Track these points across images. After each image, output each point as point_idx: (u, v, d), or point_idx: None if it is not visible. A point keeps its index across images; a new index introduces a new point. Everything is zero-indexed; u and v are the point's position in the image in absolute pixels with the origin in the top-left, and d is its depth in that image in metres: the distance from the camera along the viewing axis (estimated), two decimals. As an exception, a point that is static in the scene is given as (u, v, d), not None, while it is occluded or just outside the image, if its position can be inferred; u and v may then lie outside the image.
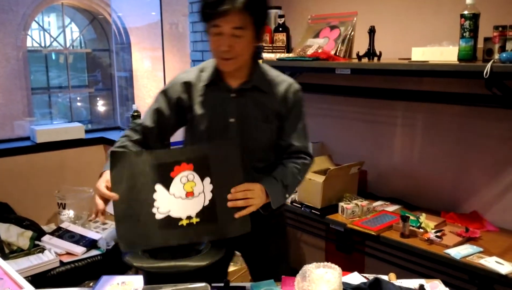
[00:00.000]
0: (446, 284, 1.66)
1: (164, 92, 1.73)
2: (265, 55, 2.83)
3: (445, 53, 2.08)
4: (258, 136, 1.68)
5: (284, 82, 1.70)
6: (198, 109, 1.68)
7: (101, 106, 4.50)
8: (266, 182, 1.62)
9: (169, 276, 1.42)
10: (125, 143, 1.67)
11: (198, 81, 1.69)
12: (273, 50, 2.90)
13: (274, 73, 1.72)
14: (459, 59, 1.98)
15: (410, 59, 2.19)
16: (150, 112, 1.73)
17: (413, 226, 2.20)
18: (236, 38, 1.54)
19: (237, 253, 2.98)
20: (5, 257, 2.62)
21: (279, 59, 2.73)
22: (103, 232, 3.08)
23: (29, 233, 2.84)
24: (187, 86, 1.69)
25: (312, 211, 2.50)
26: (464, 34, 1.94)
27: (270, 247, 1.82)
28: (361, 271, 1.72)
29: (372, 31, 2.45)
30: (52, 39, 4.11)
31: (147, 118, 1.72)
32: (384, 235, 2.21)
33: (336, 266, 1.36)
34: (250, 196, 1.54)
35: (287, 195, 1.69)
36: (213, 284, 1.54)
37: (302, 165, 1.71)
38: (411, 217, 2.24)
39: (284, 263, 1.88)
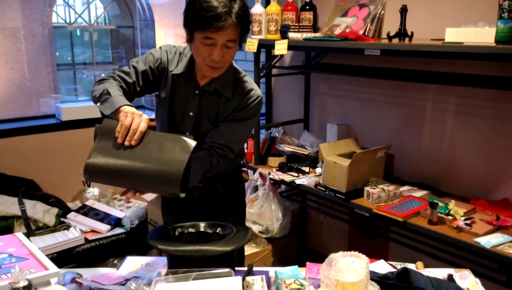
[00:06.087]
0: (475, 273, 1.62)
1: (153, 53, 1.78)
2: (291, 35, 2.75)
3: (481, 34, 1.98)
4: (208, 131, 1.76)
5: (246, 89, 1.75)
6: (163, 93, 1.78)
7: (125, 83, 4.49)
8: None
9: (192, 260, 1.41)
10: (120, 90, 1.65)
11: (174, 64, 1.76)
12: (300, 30, 2.82)
13: (242, 81, 1.76)
14: (496, 41, 1.89)
15: (444, 40, 2.10)
16: (142, 71, 1.73)
17: (441, 213, 2.14)
18: (228, 49, 1.61)
19: (260, 234, 2.99)
20: (31, 234, 2.67)
21: (305, 39, 2.66)
22: (127, 211, 3.11)
23: (55, 210, 2.88)
24: (168, 60, 1.77)
25: (337, 195, 2.46)
26: (503, 15, 1.84)
27: (225, 219, 1.79)
28: (385, 257, 1.68)
29: (403, 10, 2.36)
30: (76, 16, 4.10)
31: (139, 78, 1.73)
32: (411, 222, 2.16)
33: (364, 256, 1.32)
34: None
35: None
36: (237, 268, 1.52)
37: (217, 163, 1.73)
38: (440, 204, 2.18)
39: None
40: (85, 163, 1.41)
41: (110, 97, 1.54)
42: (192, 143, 1.48)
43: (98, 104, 1.57)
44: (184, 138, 1.49)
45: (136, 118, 1.44)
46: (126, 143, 1.43)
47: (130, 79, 1.71)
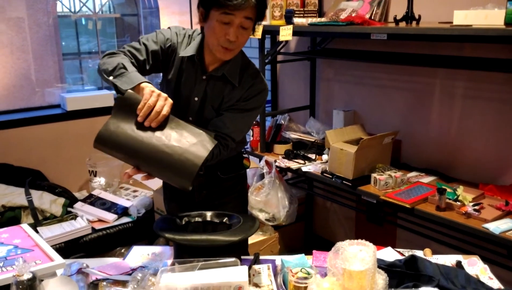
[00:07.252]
0: (484, 259, 1.60)
1: (163, 33, 1.75)
2: (296, 20, 2.72)
3: (490, 17, 1.95)
4: (211, 117, 1.74)
5: (253, 80, 1.72)
6: (170, 75, 1.75)
7: (130, 71, 4.47)
8: None
9: (199, 249, 1.40)
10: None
11: (183, 46, 1.73)
12: (305, 15, 2.78)
13: (249, 70, 1.74)
14: (506, 23, 1.85)
15: (452, 23, 2.06)
16: (152, 50, 1.70)
17: (449, 199, 2.12)
18: (243, 30, 1.59)
19: (267, 222, 2.99)
20: (39, 224, 2.68)
21: (310, 24, 2.62)
22: (134, 200, 3.12)
23: (62, 200, 2.89)
24: (177, 42, 1.74)
25: (344, 182, 2.44)
26: (513, -4, 1.80)
27: (227, 206, 1.81)
28: (392, 244, 1.67)
29: (410, -7, 2.32)
30: (81, 4, 4.07)
31: (149, 57, 1.70)
32: (418, 208, 2.14)
33: (371, 244, 1.30)
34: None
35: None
36: (243, 257, 1.52)
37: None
38: (448, 189, 2.16)
39: None
40: (99, 131, 1.38)
41: (127, 72, 1.51)
42: (213, 141, 1.46)
43: (111, 77, 1.52)
44: (205, 133, 1.47)
45: (161, 100, 1.42)
46: (146, 123, 1.40)
47: (141, 56, 1.68)
